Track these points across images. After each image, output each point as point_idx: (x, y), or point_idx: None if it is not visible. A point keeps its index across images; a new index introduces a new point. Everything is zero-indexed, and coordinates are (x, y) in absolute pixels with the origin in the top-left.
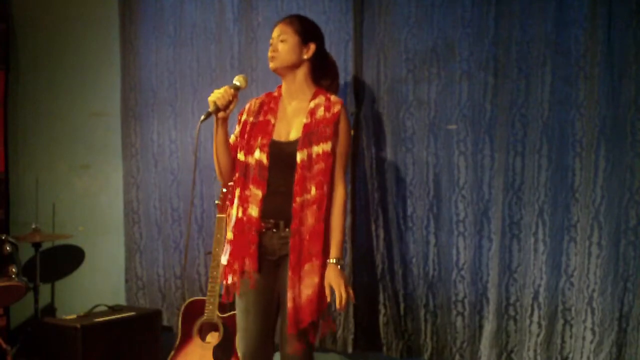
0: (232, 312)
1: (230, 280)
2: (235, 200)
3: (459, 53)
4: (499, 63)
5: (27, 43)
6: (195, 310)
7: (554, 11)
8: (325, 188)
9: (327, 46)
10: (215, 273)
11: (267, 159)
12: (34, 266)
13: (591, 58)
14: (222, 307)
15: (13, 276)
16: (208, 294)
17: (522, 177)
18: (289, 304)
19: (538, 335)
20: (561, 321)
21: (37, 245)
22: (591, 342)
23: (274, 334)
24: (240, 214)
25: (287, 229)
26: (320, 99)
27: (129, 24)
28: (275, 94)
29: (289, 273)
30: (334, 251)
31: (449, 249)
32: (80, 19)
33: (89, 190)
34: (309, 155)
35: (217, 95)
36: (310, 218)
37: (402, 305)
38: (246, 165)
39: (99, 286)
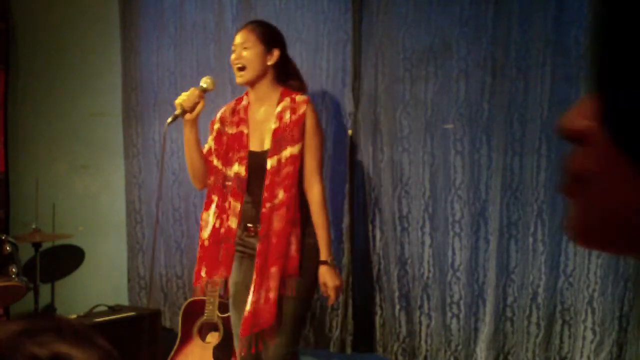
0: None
1: (202, 283)
2: (213, 208)
3: (457, 52)
4: (497, 62)
5: (27, 43)
6: (195, 310)
7: (554, 10)
8: (293, 190)
9: (326, 46)
10: None
11: (246, 171)
12: (34, 266)
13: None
14: (222, 307)
15: (13, 276)
16: (208, 294)
17: (520, 177)
18: (248, 307)
19: (536, 336)
20: (560, 321)
21: (37, 245)
22: (592, 341)
23: None
24: (217, 225)
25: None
26: (287, 102)
27: (130, 23)
28: (245, 102)
29: (254, 276)
30: (324, 252)
31: (445, 250)
32: (80, 18)
33: (89, 190)
34: (279, 161)
35: (183, 98)
36: (277, 222)
37: (397, 307)
38: (224, 176)
39: (99, 286)
